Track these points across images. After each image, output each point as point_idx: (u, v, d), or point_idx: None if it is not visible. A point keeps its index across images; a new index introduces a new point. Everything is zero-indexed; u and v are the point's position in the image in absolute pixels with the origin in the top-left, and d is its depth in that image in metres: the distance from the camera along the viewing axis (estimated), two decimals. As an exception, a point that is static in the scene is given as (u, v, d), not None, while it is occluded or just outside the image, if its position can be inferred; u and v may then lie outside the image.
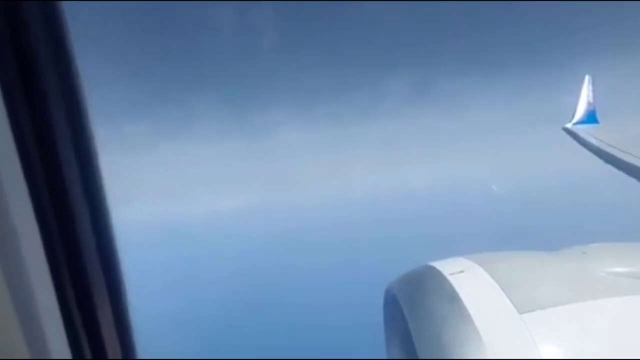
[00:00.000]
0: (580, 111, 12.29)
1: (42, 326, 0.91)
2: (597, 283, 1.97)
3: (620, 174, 8.16)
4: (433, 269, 2.13)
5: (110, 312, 1.05)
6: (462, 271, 2.07)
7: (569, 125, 11.98)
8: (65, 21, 0.86)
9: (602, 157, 9.19)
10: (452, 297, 1.91)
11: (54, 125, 0.88)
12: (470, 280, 1.99)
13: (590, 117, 12.16)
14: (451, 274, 2.04)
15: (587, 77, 13.02)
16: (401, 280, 2.16)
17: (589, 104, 12.41)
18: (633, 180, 7.70)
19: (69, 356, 0.99)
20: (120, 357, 1.11)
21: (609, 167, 8.70)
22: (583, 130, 11.21)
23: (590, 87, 12.82)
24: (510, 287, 1.92)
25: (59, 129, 0.89)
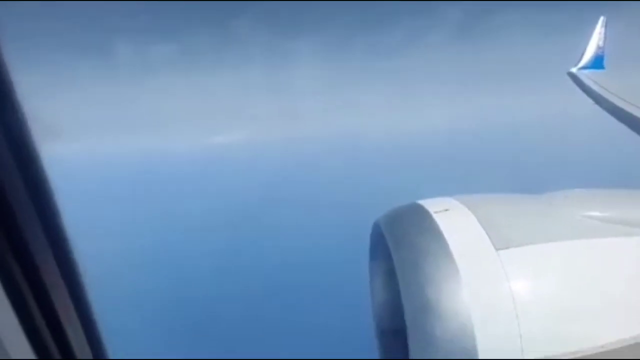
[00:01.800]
0: (589, 54, 11.95)
1: None
2: (572, 225, 2.08)
3: (621, 126, 8.08)
4: (420, 206, 2.22)
5: (72, 310, 1.03)
6: (447, 210, 2.16)
7: (574, 70, 11.74)
8: None
9: (602, 106, 9.10)
10: (435, 232, 2.02)
11: None
12: (453, 218, 2.09)
13: (597, 62, 11.87)
14: (436, 212, 2.13)
15: (601, 19, 12.48)
16: (388, 216, 2.26)
17: (598, 47, 12.04)
18: (633, 134, 7.64)
19: (33, 356, 0.97)
20: (90, 357, 1.10)
21: (610, 118, 8.58)
22: (587, 76, 11.00)
23: (603, 30, 12.34)
24: (491, 225, 2.02)
25: None
